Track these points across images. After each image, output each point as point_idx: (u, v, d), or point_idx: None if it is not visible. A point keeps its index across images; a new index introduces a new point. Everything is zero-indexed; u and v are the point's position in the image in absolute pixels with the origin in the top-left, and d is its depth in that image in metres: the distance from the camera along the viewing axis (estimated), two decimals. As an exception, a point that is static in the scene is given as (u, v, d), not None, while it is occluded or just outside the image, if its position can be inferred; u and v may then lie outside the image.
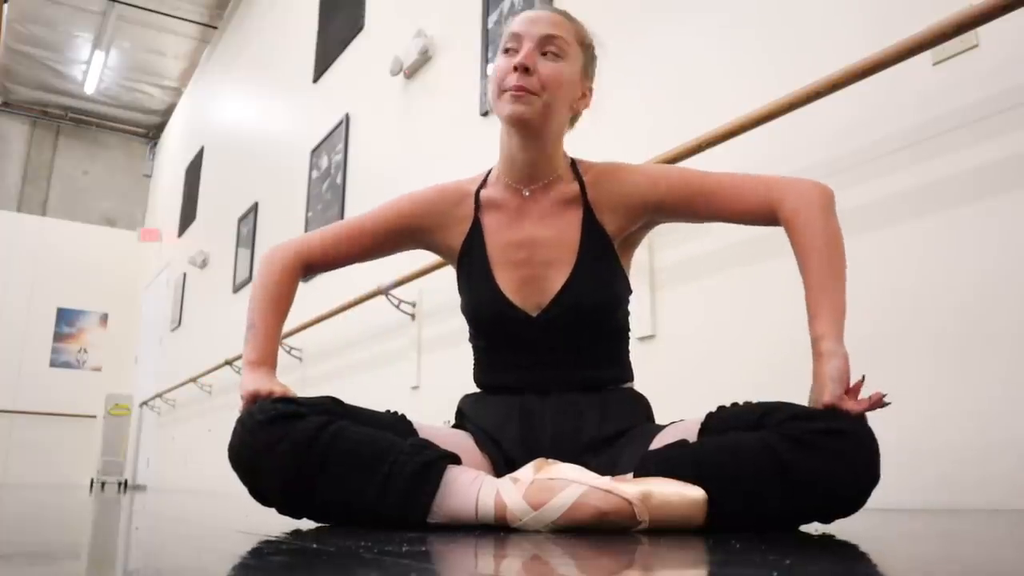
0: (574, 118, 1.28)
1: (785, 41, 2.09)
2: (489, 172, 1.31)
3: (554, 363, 1.22)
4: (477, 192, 1.28)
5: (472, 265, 1.27)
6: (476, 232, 1.27)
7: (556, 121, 1.21)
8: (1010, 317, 1.52)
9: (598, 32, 1.30)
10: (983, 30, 1.60)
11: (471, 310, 1.28)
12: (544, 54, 1.18)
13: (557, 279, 1.21)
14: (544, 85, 1.17)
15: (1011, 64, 1.58)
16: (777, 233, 2.01)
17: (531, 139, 1.21)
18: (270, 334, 1.23)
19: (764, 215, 1.20)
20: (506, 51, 1.21)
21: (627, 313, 1.30)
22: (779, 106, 1.87)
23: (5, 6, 5.92)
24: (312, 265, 1.30)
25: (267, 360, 1.21)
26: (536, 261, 1.23)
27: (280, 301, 1.26)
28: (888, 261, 1.77)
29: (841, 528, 1.09)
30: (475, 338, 1.32)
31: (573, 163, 1.28)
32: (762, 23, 2.17)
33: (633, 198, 1.23)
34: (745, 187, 1.21)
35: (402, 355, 3.56)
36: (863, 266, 1.82)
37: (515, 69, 1.16)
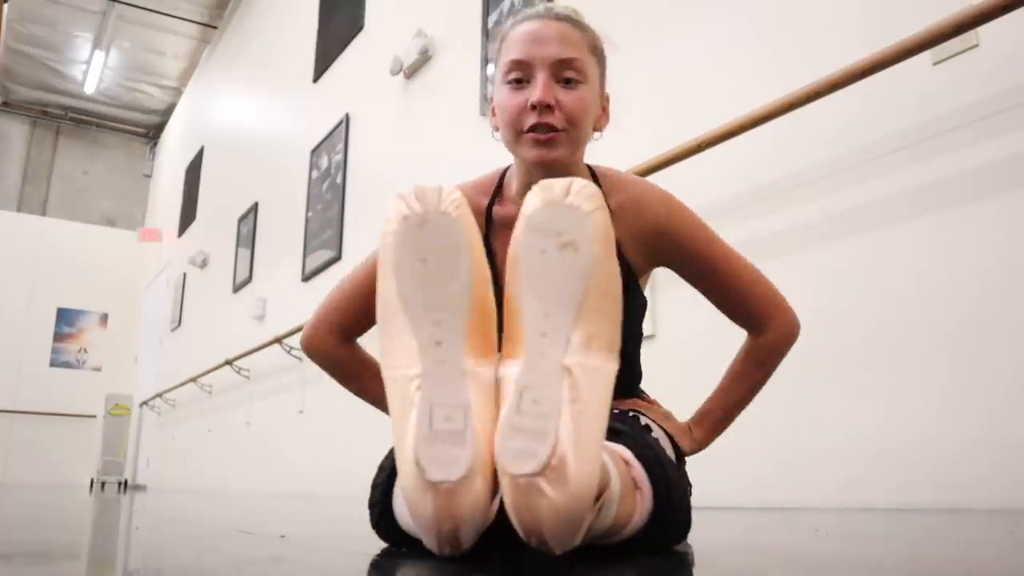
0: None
1: (785, 41, 2.09)
2: (501, 180, 1.14)
3: None
4: (489, 207, 1.12)
5: None
6: (487, 252, 1.13)
7: (580, 152, 1.08)
8: (1011, 316, 1.52)
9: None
10: (983, 30, 1.60)
11: None
12: (560, 80, 1.01)
13: None
14: (569, 119, 1.01)
15: (1011, 64, 1.58)
16: (775, 233, 2.02)
17: (555, 173, 1.00)
18: (376, 395, 1.05)
19: (744, 314, 1.14)
20: (515, 82, 1.02)
21: (641, 332, 1.20)
22: (779, 106, 1.87)
23: (5, 6, 5.92)
24: (356, 334, 1.17)
25: None
26: None
27: (357, 374, 1.17)
28: (888, 261, 1.77)
29: (839, 529, 1.09)
30: None
31: (594, 177, 1.12)
32: (762, 24, 2.17)
33: (652, 232, 1.10)
34: (747, 275, 1.12)
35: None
36: (863, 266, 1.82)
37: (533, 108, 0.99)
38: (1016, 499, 1.43)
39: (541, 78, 1.00)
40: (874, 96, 1.80)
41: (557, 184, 0.70)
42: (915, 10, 1.70)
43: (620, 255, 1.06)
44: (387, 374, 0.68)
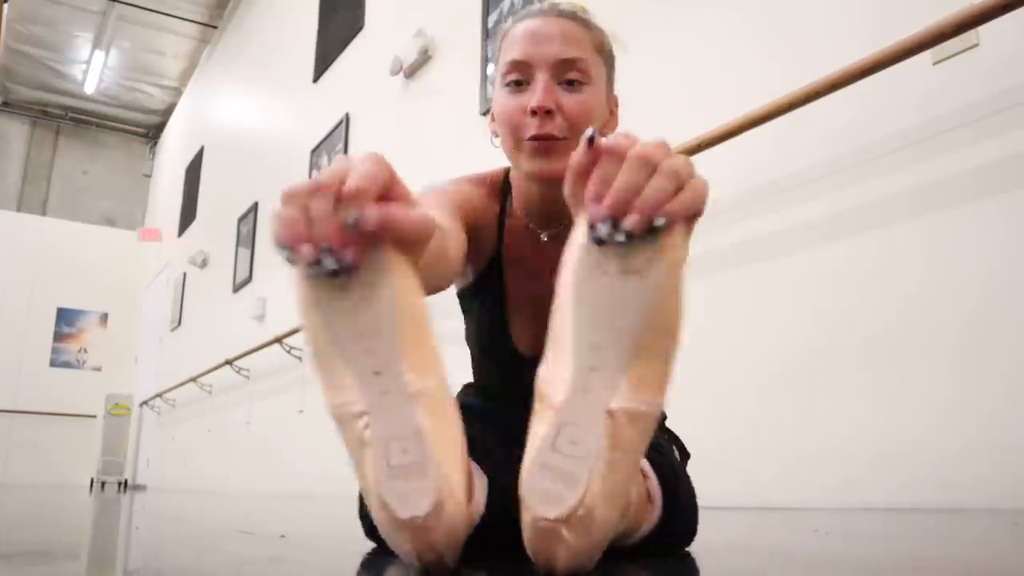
0: None
1: (785, 41, 2.09)
2: (507, 185, 1.08)
3: None
4: (501, 216, 1.07)
5: (486, 309, 1.09)
6: (496, 270, 1.07)
7: None
8: (1012, 316, 1.52)
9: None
10: (983, 30, 1.60)
11: (482, 352, 1.15)
12: (563, 82, 0.94)
13: None
14: (572, 125, 0.93)
15: (1011, 64, 1.58)
16: (775, 233, 2.02)
17: (557, 188, 0.98)
18: None
19: None
20: (513, 84, 0.96)
21: None
22: (779, 106, 1.87)
23: (5, 6, 5.92)
24: None
25: None
26: (549, 316, 1.09)
27: None
28: (889, 261, 1.77)
29: (840, 529, 1.09)
30: (478, 362, 1.18)
31: None
32: (762, 23, 2.17)
33: None
34: None
35: (402, 355, 3.56)
36: (863, 266, 1.82)
37: (533, 113, 0.92)
38: (1016, 499, 1.43)
39: (541, 80, 0.93)
40: (874, 96, 1.80)
41: None
42: (915, 10, 1.70)
43: None
44: (331, 412, 0.63)
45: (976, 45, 1.64)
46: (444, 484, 0.58)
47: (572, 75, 0.94)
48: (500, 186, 1.08)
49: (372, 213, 0.57)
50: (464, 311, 1.14)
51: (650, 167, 0.59)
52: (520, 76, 0.95)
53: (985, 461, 1.50)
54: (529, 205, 1.03)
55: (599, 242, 0.60)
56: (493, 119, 1.02)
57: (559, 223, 1.02)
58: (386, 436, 0.59)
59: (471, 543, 0.72)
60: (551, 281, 1.03)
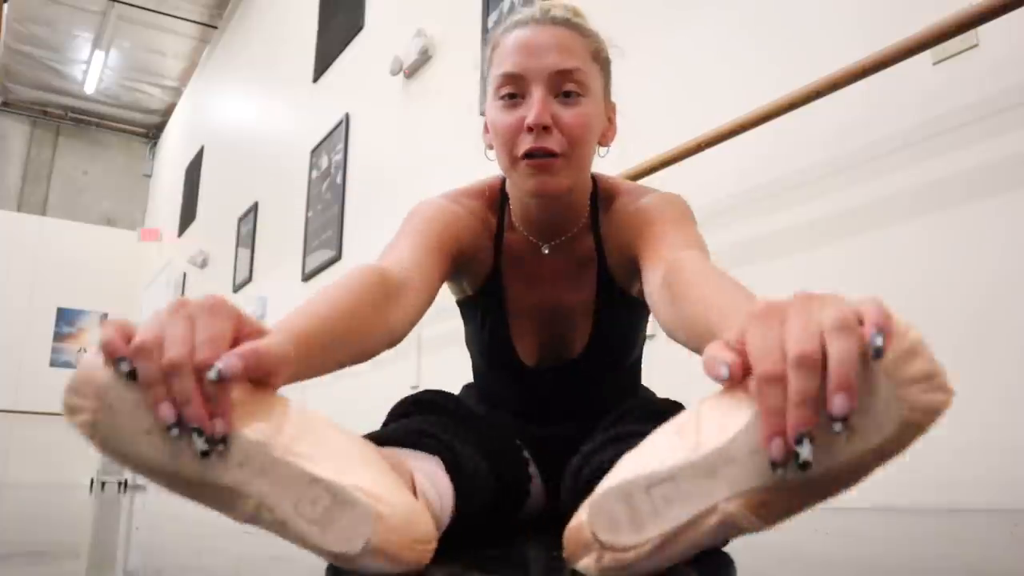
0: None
1: (785, 41, 2.09)
2: (505, 199, 1.06)
3: (564, 407, 1.11)
4: (498, 231, 1.05)
5: (488, 321, 1.08)
6: (496, 285, 1.05)
7: (585, 174, 0.98)
8: (1013, 316, 1.52)
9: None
10: (983, 30, 1.60)
11: (483, 361, 1.15)
12: (559, 94, 0.91)
13: (575, 345, 1.06)
14: (570, 140, 0.90)
15: (1011, 64, 1.58)
16: (775, 233, 2.02)
17: (555, 203, 0.98)
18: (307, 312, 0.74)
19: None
20: (507, 97, 0.93)
21: (644, 335, 1.16)
22: (779, 106, 1.87)
23: (5, 6, 5.92)
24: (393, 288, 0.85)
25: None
26: (553, 327, 1.06)
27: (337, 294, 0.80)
28: (888, 261, 1.76)
29: (840, 529, 1.09)
30: (478, 367, 1.19)
31: (595, 199, 1.03)
32: (762, 23, 2.17)
33: (628, 239, 0.98)
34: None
35: (402, 355, 3.56)
36: (862, 266, 1.82)
37: (529, 130, 0.89)
38: (1016, 499, 1.43)
39: (537, 94, 0.90)
40: (874, 96, 1.80)
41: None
42: (915, 10, 1.70)
43: (611, 281, 1.02)
44: (241, 523, 0.61)
45: (976, 45, 1.64)
46: (370, 499, 0.55)
47: (568, 87, 0.91)
48: (497, 197, 1.06)
49: (233, 362, 0.53)
50: (465, 319, 1.14)
51: (818, 367, 0.48)
52: (514, 89, 0.93)
53: (985, 461, 1.50)
54: (528, 218, 1.02)
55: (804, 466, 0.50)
56: (487, 130, 1.00)
57: (560, 235, 1.02)
58: (291, 504, 0.57)
59: (451, 539, 0.71)
60: (552, 291, 1.04)
